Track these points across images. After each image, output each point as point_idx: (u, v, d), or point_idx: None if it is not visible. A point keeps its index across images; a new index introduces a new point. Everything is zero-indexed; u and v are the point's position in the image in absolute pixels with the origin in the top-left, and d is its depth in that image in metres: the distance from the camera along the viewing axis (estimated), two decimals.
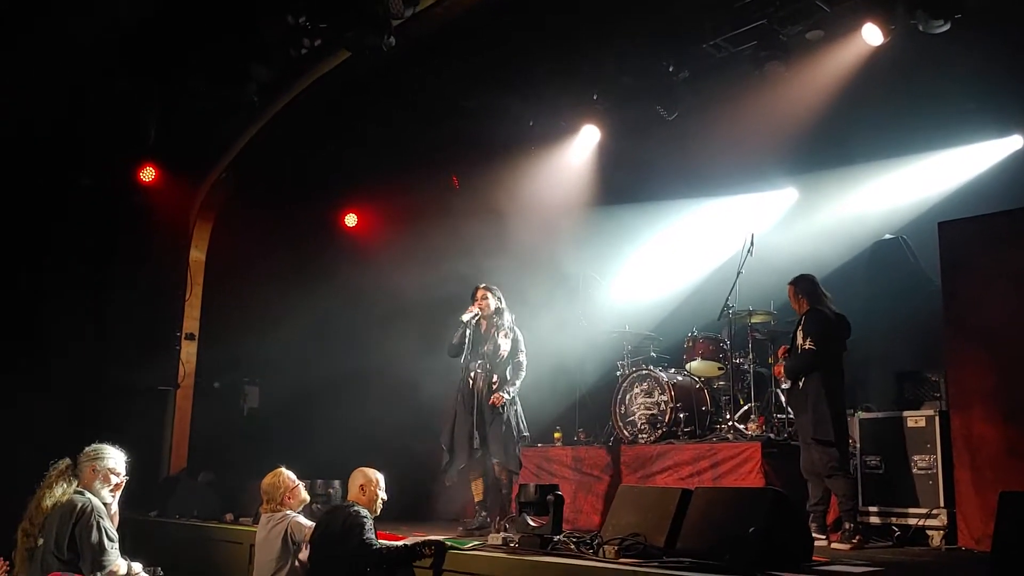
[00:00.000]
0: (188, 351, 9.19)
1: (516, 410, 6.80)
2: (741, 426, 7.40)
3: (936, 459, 5.97)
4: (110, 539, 4.49)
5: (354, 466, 5.41)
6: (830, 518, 6.07)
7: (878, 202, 8.56)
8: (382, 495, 5.31)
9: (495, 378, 6.72)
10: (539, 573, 4.61)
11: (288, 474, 5.54)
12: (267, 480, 5.51)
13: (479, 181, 9.52)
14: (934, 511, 5.90)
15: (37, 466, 4.67)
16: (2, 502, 4.86)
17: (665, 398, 7.57)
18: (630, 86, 8.04)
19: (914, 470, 6.08)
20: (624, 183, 9.60)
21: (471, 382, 6.75)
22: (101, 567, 4.42)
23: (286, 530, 5.31)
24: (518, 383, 6.80)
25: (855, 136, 8.19)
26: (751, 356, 7.65)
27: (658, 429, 7.54)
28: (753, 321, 7.75)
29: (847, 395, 6.27)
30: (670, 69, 7.96)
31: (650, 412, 7.63)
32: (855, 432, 6.39)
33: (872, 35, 6.99)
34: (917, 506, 6.01)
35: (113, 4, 7.13)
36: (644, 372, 7.86)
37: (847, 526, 5.82)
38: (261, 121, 8.52)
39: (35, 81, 7.44)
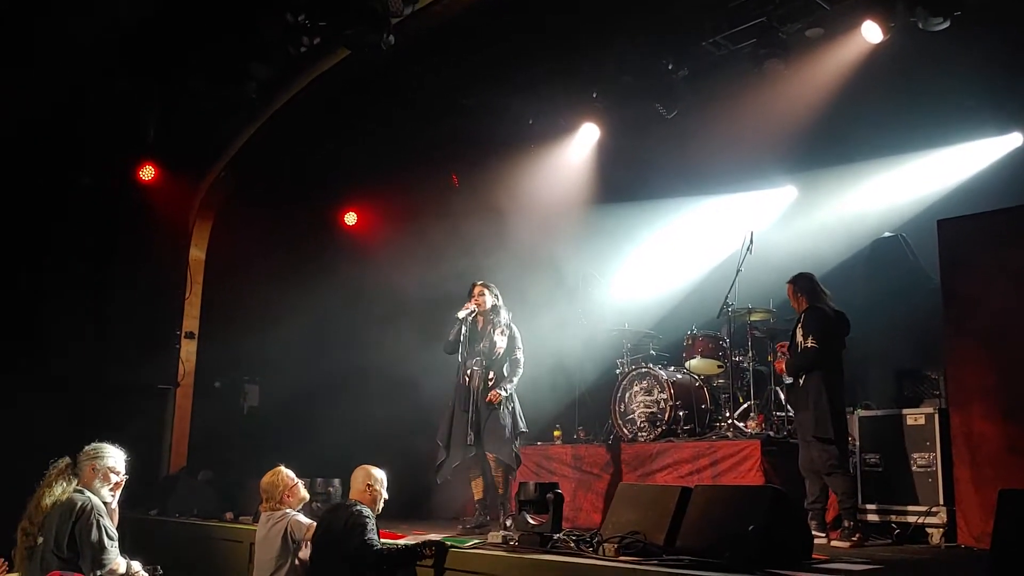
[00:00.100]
0: (188, 350, 9.20)
1: (513, 407, 6.75)
2: (740, 424, 7.40)
3: (935, 457, 5.97)
4: (110, 538, 4.50)
5: (354, 464, 5.40)
6: (829, 516, 6.07)
7: (877, 200, 8.55)
8: (384, 494, 5.31)
9: (491, 375, 6.67)
10: (539, 571, 4.61)
11: (287, 472, 5.53)
12: (266, 478, 5.51)
13: (479, 179, 9.53)
14: (933, 509, 5.89)
15: (37, 465, 4.67)
16: (2, 501, 4.84)
17: (665, 396, 7.57)
18: (629, 84, 8.04)
19: (913, 468, 6.07)
20: (624, 181, 9.60)
21: (467, 379, 6.70)
22: (101, 565, 4.43)
23: (286, 528, 5.31)
24: (515, 380, 6.75)
25: (854, 134, 8.18)
26: (751, 354, 7.66)
27: (658, 427, 7.54)
28: (752, 319, 7.76)
29: (846, 393, 6.26)
30: (669, 67, 7.97)
31: (650, 410, 7.63)
32: (854, 430, 6.38)
33: (872, 33, 6.99)
34: (916, 504, 6.00)
35: (113, 4, 7.13)
36: (644, 370, 7.85)
37: (847, 524, 5.82)
38: (260, 120, 8.52)
39: (35, 81, 7.45)
